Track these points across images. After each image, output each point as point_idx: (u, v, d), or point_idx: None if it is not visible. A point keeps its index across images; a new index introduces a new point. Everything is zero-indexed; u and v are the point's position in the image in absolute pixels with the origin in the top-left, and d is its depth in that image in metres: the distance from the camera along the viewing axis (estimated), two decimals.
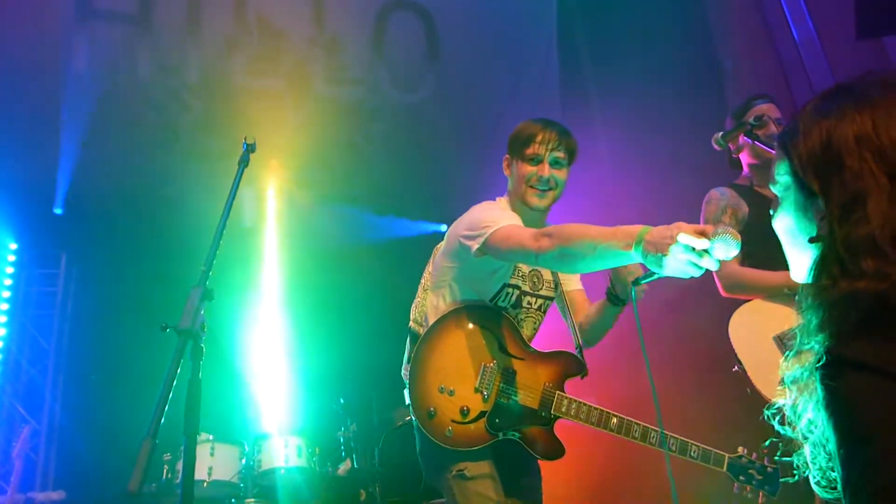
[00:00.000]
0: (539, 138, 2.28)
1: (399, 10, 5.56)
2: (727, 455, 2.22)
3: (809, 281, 1.06)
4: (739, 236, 1.46)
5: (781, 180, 1.16)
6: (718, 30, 4.81)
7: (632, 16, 5.04)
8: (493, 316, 2.29)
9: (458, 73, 5.48)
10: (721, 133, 2.63)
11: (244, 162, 1.98)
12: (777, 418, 1.16)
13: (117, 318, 4.78)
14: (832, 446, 0.93)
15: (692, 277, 1.54)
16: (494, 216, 2.13)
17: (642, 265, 1.65)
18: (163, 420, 1.48)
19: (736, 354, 2.54)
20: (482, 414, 2.18)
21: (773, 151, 2.54)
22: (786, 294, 2.50)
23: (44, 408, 5.02)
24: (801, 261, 1.15)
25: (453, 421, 2.16)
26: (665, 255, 1.53)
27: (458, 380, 2.20)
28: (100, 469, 4.26)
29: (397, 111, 5.44)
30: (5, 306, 5.14)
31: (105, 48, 5.05)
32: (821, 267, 1.04)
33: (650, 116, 4.60)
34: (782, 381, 2.51)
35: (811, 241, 1.08)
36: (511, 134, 2.37)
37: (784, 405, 1.09)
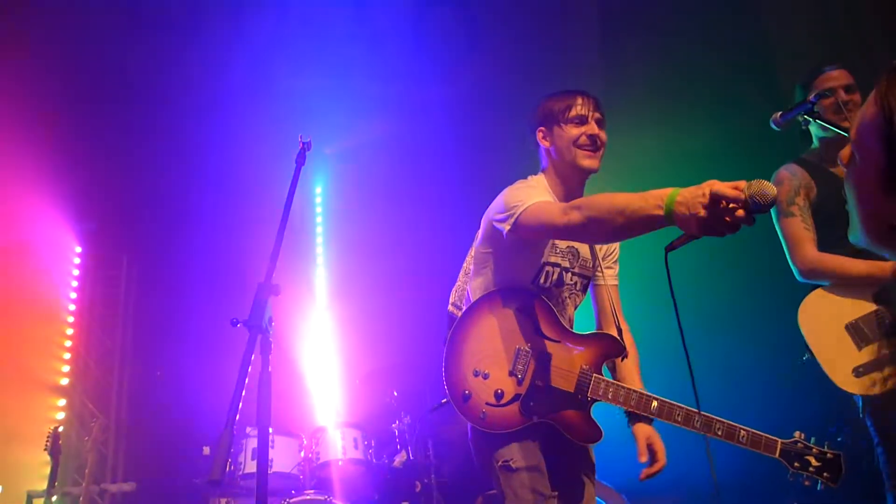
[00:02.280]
0: (579, 101, 2.26)
1: (438, 4, 5.56)
2: (780, 440, 2.09)
3: None
4: (775, 189, 1.41)
5: (868, 146, 0.94)
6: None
7: None
8: (529, 298, 2.25)
9: (501, 62, 5.44)
10: (780, 113, 2.50)
11: (301, 160, 2.01)
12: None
13: (176, 316, 4.95)
14: None
15: (728, 237, 1.48)
16: (522, 195, 2.12)
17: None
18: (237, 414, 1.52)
19: (806, 343, 2.46)
20: (516, 397, 2.16)
21: (839, 130, 2.44)
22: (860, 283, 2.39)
23: (112, 404, 5.24)
24: (871, 237, 0.98)
25: (487, 404, 2.15)
26: (698, 215, 1.48)
27: (493, 363, 2.18)
28: (167, 461, 4.43)
29: (441, 104, 5.44)
30: (73, 307, 5.38)
31: (152, 53, 5.21)
32: None
33: (694, 94, 4.49)
34: (856, 372, 2.41)
35: (893, 229, 0.93)
36: (541, 107, 2.33)
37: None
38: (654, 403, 2.14)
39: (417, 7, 5.49)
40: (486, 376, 2.18)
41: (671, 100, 4.59)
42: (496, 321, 2.22)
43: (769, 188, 1.41)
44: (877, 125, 0.91)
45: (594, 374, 2.20)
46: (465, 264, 2.48)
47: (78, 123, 5.00)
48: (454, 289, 2.46)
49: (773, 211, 2.61)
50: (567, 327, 2.26)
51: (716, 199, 1.47)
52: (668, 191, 1.58)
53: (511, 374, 2.17)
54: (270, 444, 3.93)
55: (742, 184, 1.44)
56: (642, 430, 2.29)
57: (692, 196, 1.51)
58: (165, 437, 4.52)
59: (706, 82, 4.49)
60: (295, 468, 3.98)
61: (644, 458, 2.26)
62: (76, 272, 5.46)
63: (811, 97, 2.49)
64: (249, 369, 1.51)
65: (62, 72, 4.86)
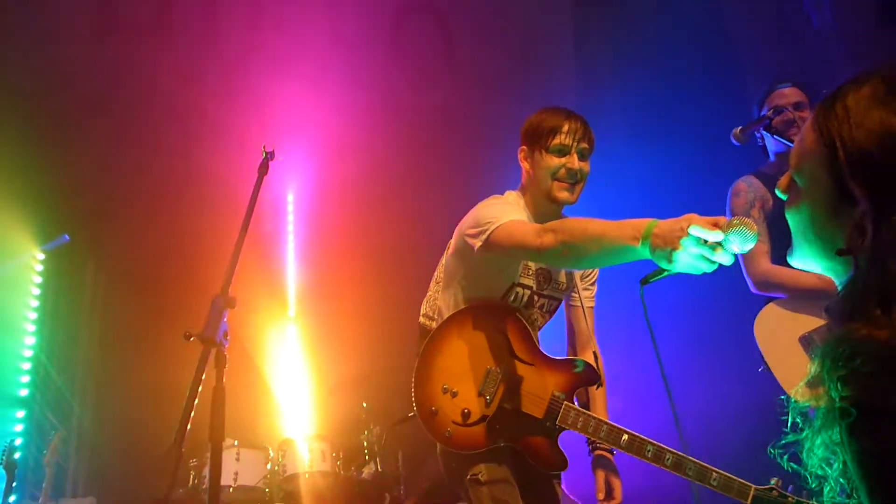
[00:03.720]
0: (566, 128, 2.19)
1: (414, 12, 5.58)
2: (753, 487, 2.00)
3: (836, 311, 0.91)
4: (756, 228, 1.36)
5: (811, 173, 0.96)
6: (734, 16, 4.74)
7: (646, 7, 5.00)
8: (506, 317, 2.21)
9: (475, 73, 5.48)
10: (739, 128, 2.58)
11: (264, 170, 1.99)
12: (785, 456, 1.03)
13: (144, 325, 4.85)
14: (864, 498, 0.81)
15: (704, 273, 1.44)
16: (497, 213, 2.08)
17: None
18: (189, 427, 1.49)
19: (762, 355, 2.50)
20: (483, 418, 2.12)
21: (791, 144, 2.51)
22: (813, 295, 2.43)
23: (73, 416, 5.10)
24: (816, 265, 1.02)
25: (454, 422, 2.12)
26: (675, 250, 1.43)
27: (462, 381, 2.14)
28: (128, 475, 4.32)
29: (415, 113, 5.44)
30: (34, 315, 5.24)
31: (125, 59, 5.13)
32: (856, 304, 0.86)
33: (665, 110, 4.57)
34: (809, 384, 2.44)
35: (840, 253, 0.92)
36: (528, 123, 2.27)
37: (800, 439, 0.95)
38: (625, 437, 2.08)
39: (395, 16, 5.51)
40: (454, 394, 2.14)
41: (646, 118, 4.65)
42: (470, 338, 2.18)
43: (750, 227, 1.36)
44: (818, 153, 0.93)
45: (565, 402, 2.15)
46: (436, 274, 2.46)
47: (43, 126, 4.90)
48: (425, 299, 2.43)
49: None
50: (541, 350, 2.22)
51: (695, 235, 1.41)
52: (646, 222, 1.53)
53: (480, 394, 2.13)
54: (236, 457, 3.86)
55: (722, 220, 1.40)
56: (602, 464, 2.28)
57: (669, 229, 1.45)
58: (128, 451, 4.41)
59: (680, 101, 4.56)
60: (261, 481, 3.91)
61: (601, 495, 2.26)
62: (38, 279, 5.32)
63: (769, 113, 2.56)
64: (202, 381, 1.47)
65: (24, 73, 4.77)
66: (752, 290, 2.63)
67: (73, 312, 5.34)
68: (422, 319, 2.38)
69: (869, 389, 0.79)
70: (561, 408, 2.15)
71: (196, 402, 1.50)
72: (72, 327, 5.30)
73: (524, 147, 2.28)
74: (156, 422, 4.23)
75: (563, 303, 2.43)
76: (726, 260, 1.41)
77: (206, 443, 3.77)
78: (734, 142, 2.56)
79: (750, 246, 1.37)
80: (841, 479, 0.88)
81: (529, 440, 2.15)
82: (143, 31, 5.20)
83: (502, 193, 2.35)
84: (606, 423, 2.12)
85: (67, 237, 5.16)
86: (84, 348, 5.27)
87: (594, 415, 2.17)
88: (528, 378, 2.16)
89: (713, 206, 3.11)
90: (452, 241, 2.31)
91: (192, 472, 3.87)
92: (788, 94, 2.69)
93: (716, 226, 1.40)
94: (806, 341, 2.44)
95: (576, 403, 2.21)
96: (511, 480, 2.14)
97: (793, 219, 1.03)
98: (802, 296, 2.47)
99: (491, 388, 2.14)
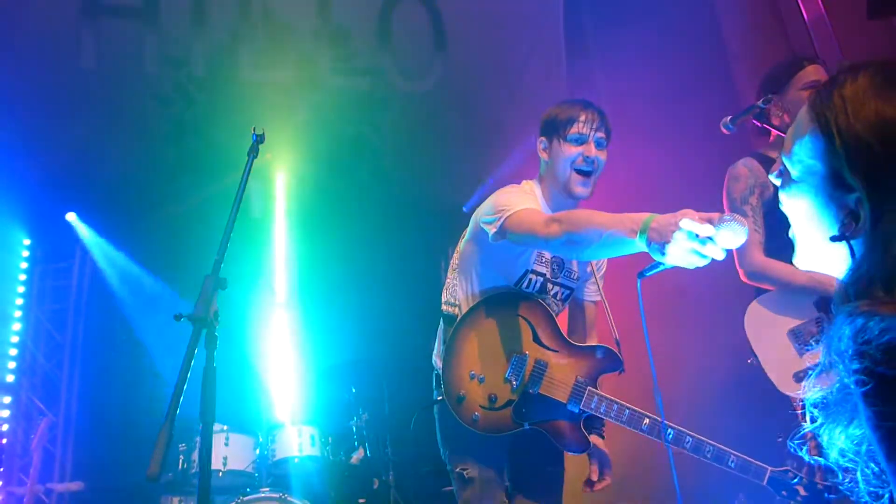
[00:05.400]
0: (583, 118, 2.24)
1: (404, 1, 5.54)
2: (770, 468, 2.10)
3: (840, 294, 0.91)
4: (746, 223, 1.40)
5: (805, 161, 0.95)
6: (725, 7, 4.75)
7: None
8: (530, 304, 2.28)
9: (465, 61, 5.45)
10: (730, 118, 2.53)
11: (254, 153, 1.99)
12: (804, 448, 1.03)
13: (131, 310, 4.83)
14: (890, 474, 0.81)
15: (697, 268, 1.47)
16: (511, 200, 2.14)
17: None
18: (178, 410, 1.49)
19: (751, 347, 2.51)
20: (509, 403, 2.19)
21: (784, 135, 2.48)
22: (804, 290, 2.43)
23: (60, 401, 5.08)
24: (813, 253, 1.01)
25: (481, 407, 2.18)
26: (668, 243, 1.48)
27: (489, 367, 2.21)
28: (117, 460, 4.32)
29: (405, 101, 5.43)
30: (20, 301, 5.20)
31: (111, 43, 5.06)
32: (859, 287, 0.87)
33: (656, 99, 4.58)
34: (796, 377, 2.45)
35: (833, 239, 0.93)
36: (547, 114, 2.32)
37: (816, 430, 0.95)
38: (646, 421, 2.15)
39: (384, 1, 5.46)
40: (481, 380, 2.20)
41: (635, 108, 4.65)
42: (495, 325, 2.24)
43: (740, 222, 1.40)
44: (814, 141, 0.93)
45: (588, 387, 2.22)
46: (452, 261, 2.50)
47: (27, 111, 4.83)
48: (445, 287, 2.48)
49: (727, 206, 2.64)
50: (564, 337, 2.29)
51: (687, 229, 1.46)
52: (645, 216, 1.59)
53: (506, 379, 2.20)
54: (225, 441, 3.86)
55: (715, 216, 1.44)
56: (595, 444, 2.35)
57: (665, 223, 1.51)
58: (117, 436, 4.40)
59: (669, 91, 4.55)
60: (250, 465, 3.92)
61: (595, 476, 2.35)
62: (25, 265, 5.28)
63: (760, 101, 2.52)
64: (192, 363, 1.47)
65: (8, 57, 4.70)
66: (743, 279, 2.63)
67: (59, 298, 5.31)
68: (444, 307, 2.43)
69: (880, 359, 0.79)
70: (584, 392, 2.22)
71: (185, 386, 1.49)
72: (60, 312, 5.28)
73: (543, 138, 2.33)
74: (144, 406, 4.24)
75: (574, 293, 2.46)
76: (718, 255, 1.45)
77: (194, 427, 3.81)
78: (724, 129, 2.52)
79: (741, 241, 1.40)
80: (871, 465, 0.86)
81: (553, 423, 2.22)
82: (130, 13, 5.13)
83: (507, 183, 2.38)
84: (629, 408, 2.19)
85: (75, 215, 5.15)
86: (72, 333, 5.25)
87: (616, 400, 2.22)
88: (553, 364, 2.23)
89: (705, 194, 3.10)
90: (469, 228, 2.36)
91: (181, 457, 3.87)
92: (817, 73, 2.55)
93: (707, 221, 1.45)
94: (794, 335, 2.46)
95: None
96: (495, 481, 2.20)
97: (787, 204, 1.03)
98: (792, 291, 2.47)
99: (517, 373, 2.21)
